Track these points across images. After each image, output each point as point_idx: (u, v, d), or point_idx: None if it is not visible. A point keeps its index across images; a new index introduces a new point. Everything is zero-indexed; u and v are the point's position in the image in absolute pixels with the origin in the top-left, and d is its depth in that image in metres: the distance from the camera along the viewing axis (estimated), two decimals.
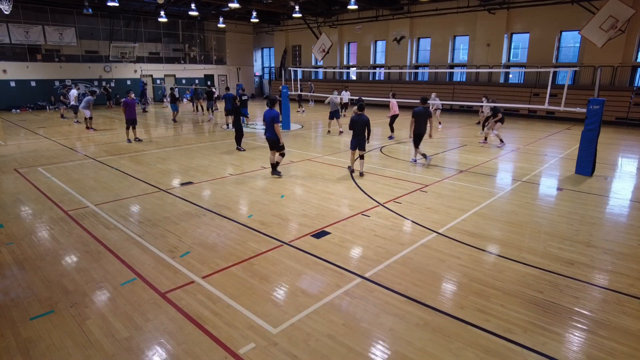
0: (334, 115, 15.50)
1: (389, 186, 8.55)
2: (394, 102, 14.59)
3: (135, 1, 24.29)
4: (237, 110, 12.30)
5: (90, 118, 16.56)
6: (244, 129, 16.29)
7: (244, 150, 12.26)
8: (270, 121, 8.84)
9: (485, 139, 13.74)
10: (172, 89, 20.82)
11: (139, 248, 5.57)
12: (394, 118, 14.82)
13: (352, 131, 9.19)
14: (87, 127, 16.62)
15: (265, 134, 9.21)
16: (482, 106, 15.72)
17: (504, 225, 6.45)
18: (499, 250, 5.56)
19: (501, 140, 13.16)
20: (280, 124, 8.97)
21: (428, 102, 10.89)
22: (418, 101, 10.55)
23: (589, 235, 6.03)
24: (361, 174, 9.27)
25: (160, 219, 6.67)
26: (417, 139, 10.36)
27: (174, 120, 19.51)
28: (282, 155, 9.28)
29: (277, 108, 8.99)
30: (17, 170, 9.88)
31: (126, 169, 10.09)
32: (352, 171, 9.57)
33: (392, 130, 14.87)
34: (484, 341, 3.66)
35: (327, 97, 16.59)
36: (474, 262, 5.17)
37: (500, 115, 12.85)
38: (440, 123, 17.95)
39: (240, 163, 10.72)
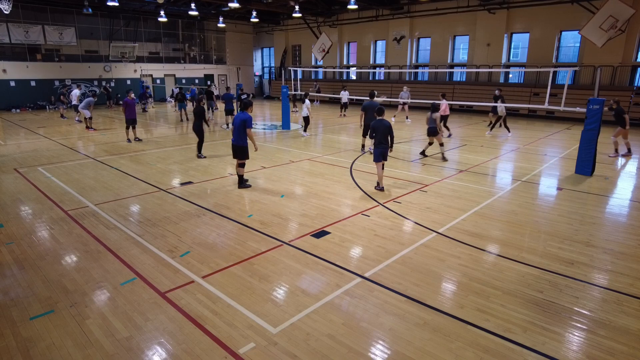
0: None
1: (389, 186, 8.54)
2: (444, 102, 14.58)
3: (135, 1, 24.28)
4: (200, 113, 10.93)
5: (90, 118, 16.61)
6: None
7: (205, 157, 11.18)
8: (240, 125, 7.91)
9: (616, 150, 11.95)
10: (181, 89, 20.96)
11: (139, 248, 5.57)
12: (444, 118, 14.78)
13: (373, 140, 8.12)
14: (87, 127, 16.67)
15: (232, 141, 8.18)
16: (493, 106, 15.62)
17: (504, 225, 6.45)
18: (499, 250, 5.56)
19: (618, 151, 11.80)
20: (252, 129, 8.11)
21: (376, 97, 12.18)
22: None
23: (588, 235, 6.03)
24: (382, 188, 8.20)
25: (160, 218, 6.67)
26: (366, 129, 11.27)
27: (187, 119, 19.92)
28: (242, 166, 8.29)
29: (250, 111, 8.07)
30: (17, 170, 9.88)
31: (126, 168, 10.09)
32: (382, 189, 8.16)
33: (447, 129, 15.07)
34: (483, 341, 3.66)
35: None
36: (474, 262, 5.18)
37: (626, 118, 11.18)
38: (407, 117, 19.19)
39: None
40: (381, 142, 7.97)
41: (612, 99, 12.41)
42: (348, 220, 6.61)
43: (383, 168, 8.25)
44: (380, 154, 8.01)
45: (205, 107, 21.24)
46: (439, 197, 7.78)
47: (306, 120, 14.74)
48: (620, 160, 11.35)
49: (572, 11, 19.50)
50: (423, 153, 11.41)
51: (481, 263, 5.15)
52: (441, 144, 11.03)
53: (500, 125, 15.70)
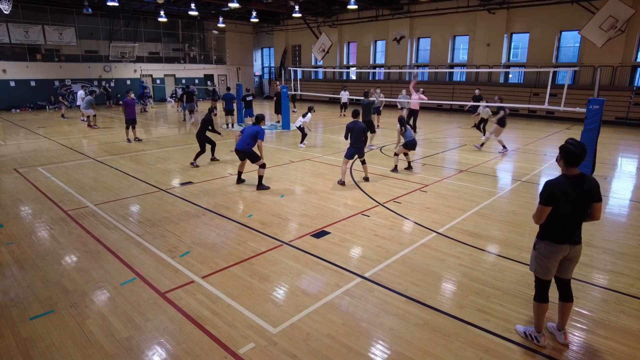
0: (375, 111, 16.58)
1: (388, 186, 8.55)
2: (414, 96, 14.26)
3: (135, 1, 24.27)
4: (207, 122, 10.21)
5: (95, 116, 16.88)
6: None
7: (197, 166, 10.32)
8: (250, 134, 7.97)
9: (482, 144, 12.48)
10: (183, 89, 21.02)
11: (139, 248, 5.57)
12: (413, 114, 14.61)
13: (348, 140, 8.57)
14: (89, 125, 16.78)
15: (236, 146, 8.15)
16: (477, 106, 15.55)
17: (504, 225, 6.45)
18: (499, 250, 5.56)
19: (504, 146, 12.03)
20: (262, 141, 8.11)
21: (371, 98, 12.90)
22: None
23: (588, 235, 6.02)
24: (367, 179, 8.85)
25: (160, 218, 6.67)
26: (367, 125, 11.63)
27: (192, 118, 19.85)
28: (263, 166, 8.23)
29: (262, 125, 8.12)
30: (17, 170, 9.88)
31: (126, 168, 10.09)
32: (343, 184, 8.55)
33: (414, 128, 14.66)
34: (483, 341, 3.66)
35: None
36: (473, 262, 5.18)
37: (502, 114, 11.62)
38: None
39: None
40: (356, 142, 8.48)
41: (496, 95, 13.27)
42: (348, 220, 6.61)
43: (364, 163, 8.91)
44: (355, 153, 8.55)
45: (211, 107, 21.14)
46: (439, 197, 7.78)
47: (301, 130, 13.30)
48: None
49: (572, 11, 19.50)
50: (409, 166, 9.92)
51: (481, 263, 5.15)
52: (397, 154, 9.75)
53: (476, 126, 15.49)
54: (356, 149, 8.53)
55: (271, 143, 13.83)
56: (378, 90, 17.17)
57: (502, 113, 11.66)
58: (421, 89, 15.46)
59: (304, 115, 13.16)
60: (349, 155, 8.56)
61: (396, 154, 9.76)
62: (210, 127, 10.27)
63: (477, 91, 15.96)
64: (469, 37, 24.19)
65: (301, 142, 13.25)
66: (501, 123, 11.76)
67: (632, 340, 3.69)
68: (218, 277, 4.78)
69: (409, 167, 9.88)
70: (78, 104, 19.58)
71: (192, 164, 10.36)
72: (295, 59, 34.83)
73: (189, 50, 33.32)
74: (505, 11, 22.08)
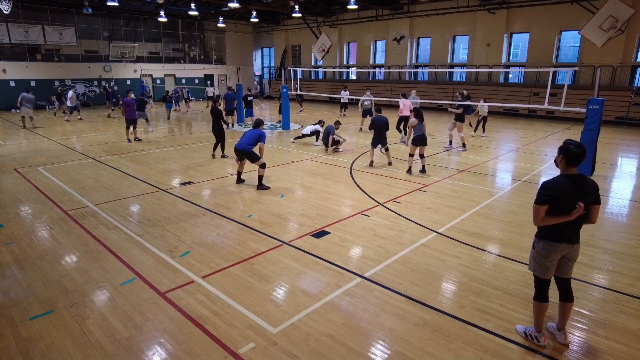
0: (366, 113, 16.80)
1: (388, 186, 8.55)
2: (406, 102, 14.08)
3: (135, 1, 24.27)
4: (218, 114, 10.94)
5: (31, 117, 17.11)
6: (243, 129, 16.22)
7: (227, 156, 11.10)
8: (254, 136, 8.09)
9: (464, 145, 12.51)
10: (167, 90, 21.37)
11: (139, 248, 5.57)
12: (404, 120, 14.48)
13: (373, 131, 10.09)
14: (24, 126, 16.98)
15: (236, 146, 8.19)
16: (476, 106, 15.31)
17: (504, 225, 6.45)
18: (499, 250, 5.56)
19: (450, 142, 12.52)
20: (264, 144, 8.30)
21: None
22: (417, 101, 11.36)
23: (588, 235, 6.03)
24: (390, 163, 10.29)
25: (160, 218, 6.67)
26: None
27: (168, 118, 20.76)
28: (263, 166, 8.26)
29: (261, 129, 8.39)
30: (17, 170, 9.88)
31: (126, 168, 10.09)
32: (371, 164, 10.21)
33: (405, 132, 14.30)
34: (483, 341, 3.66)
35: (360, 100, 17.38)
36: (474, 262, 5.18)
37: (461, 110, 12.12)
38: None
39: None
40: (378, 133, 9.97)
41: (464, 90, 13.70)
42: (348, 220, 6.61)
43: (388, 150, 10.42)
44: (378, 142, 10.06)
45: (222, 109, 20.88)
46: (439, 197, 7.78)
47: (334, 141, 12.61)
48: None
49: (572, 11, 19.50)
50: (423, 170, 9.55)
51: (481, 263, 5.16)
52: (411, 155, 9.56)
53: (476, 126, 15.58)
54: (380, 138, 9.97)
55: (271, 143, 13.83)
56: (368, 92, 17.16)
57: (461, 109, 12.27)
58: (402, 93, 15.14)
59: (315, 124, 13.65)
60: (373, 144, 10.13)
61: (411, 155, 9.55)
62: (222, 118, 11.14)
63: (465, 91, 15.79)
64: (468, 37, 24.19)
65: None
66: (461, 119, 12.41)
67: (632, 340, 3.69)
68: (218, 277, 4.78)
69: (423, 170, 9.51)
70: (68, 104, 19.73)
71: (222, 156, 11.27)
72: (295, 59, 34.83)
73: (189, 50, 33.31)
74: (505, 11, 22.08)
